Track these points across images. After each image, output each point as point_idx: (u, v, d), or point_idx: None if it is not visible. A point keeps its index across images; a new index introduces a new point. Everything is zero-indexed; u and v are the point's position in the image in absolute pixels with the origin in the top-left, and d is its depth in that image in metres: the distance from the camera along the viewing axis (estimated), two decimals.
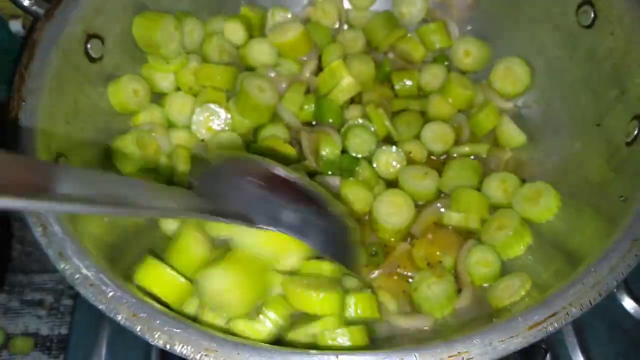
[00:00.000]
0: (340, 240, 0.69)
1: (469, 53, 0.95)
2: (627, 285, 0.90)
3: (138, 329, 0.49)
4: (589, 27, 0.78)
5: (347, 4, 1.01)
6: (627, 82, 0.71)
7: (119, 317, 0.50)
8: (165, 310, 0.51)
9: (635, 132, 0.67)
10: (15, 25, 1.08)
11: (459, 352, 0.47)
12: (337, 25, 1.00)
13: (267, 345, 0.48)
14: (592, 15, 0.77)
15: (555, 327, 0.49)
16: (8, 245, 1.17)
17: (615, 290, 0.89)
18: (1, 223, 1.20)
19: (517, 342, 0.48)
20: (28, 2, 0.70)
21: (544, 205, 0.77)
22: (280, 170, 0.64)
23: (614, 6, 0.73)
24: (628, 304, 0.89)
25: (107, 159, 0.77)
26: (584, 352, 0.83)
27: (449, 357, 0.46)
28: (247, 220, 0.61)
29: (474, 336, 0.48)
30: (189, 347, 0.48)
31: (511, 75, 0.91)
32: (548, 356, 0.80)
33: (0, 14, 1.09)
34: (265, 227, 0.61)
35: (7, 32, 1.11)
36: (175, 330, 0.49)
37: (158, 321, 0.50)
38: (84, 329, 0.88)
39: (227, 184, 0.62)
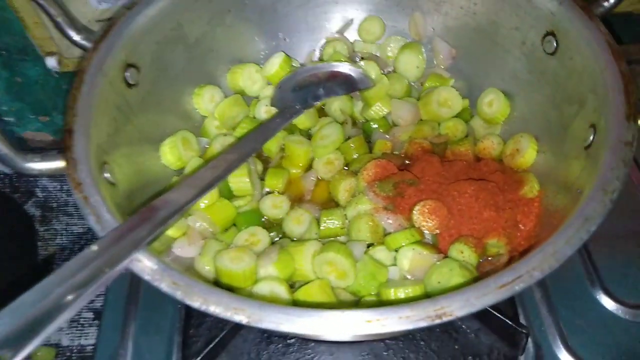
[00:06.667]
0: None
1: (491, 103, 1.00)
2: (604, 286, 0.99)
3: (178, 294, 0.59)
4: (552, 54, 0.87)
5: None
6: (584, 97, 0.79)
7: (162, 285, 0.60)
8: (200, 279, 0.60)
9: (591, 138, 0.75)
10: (51, 62, 1.16)
11: (442, 307, 0.56)
12: None
13: (285, 305, 0.57)
14: (555, 44, 0.86)
15: (521, 286, 0.57)
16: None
17: (593, 289, 0.99)
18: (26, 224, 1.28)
19: (489, 299, 0.56)
20: (78, 37, 0.83)
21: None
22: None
23: (572, 36, 0.82)
24: (607, 302, 0.97)
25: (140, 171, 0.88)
26: (563, 341, 0.92)
27: (434, 310, 0.56)
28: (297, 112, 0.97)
29: (455, 295, 0.57)
30: (220, 307, 0.57)
31: (495, 105, 0.99)
32: (529, 340, 0.89)
33: (38, 51, 1.21)
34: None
35: (44, 67, 1.20)
36: (209, 294, 0.58)
37: (195, 288, 0.59)
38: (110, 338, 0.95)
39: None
